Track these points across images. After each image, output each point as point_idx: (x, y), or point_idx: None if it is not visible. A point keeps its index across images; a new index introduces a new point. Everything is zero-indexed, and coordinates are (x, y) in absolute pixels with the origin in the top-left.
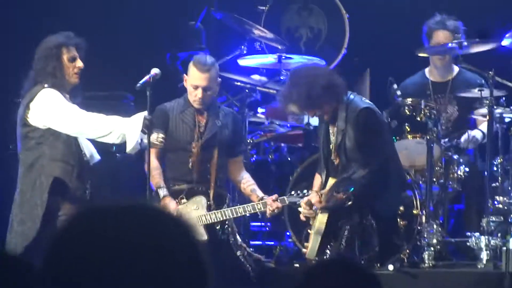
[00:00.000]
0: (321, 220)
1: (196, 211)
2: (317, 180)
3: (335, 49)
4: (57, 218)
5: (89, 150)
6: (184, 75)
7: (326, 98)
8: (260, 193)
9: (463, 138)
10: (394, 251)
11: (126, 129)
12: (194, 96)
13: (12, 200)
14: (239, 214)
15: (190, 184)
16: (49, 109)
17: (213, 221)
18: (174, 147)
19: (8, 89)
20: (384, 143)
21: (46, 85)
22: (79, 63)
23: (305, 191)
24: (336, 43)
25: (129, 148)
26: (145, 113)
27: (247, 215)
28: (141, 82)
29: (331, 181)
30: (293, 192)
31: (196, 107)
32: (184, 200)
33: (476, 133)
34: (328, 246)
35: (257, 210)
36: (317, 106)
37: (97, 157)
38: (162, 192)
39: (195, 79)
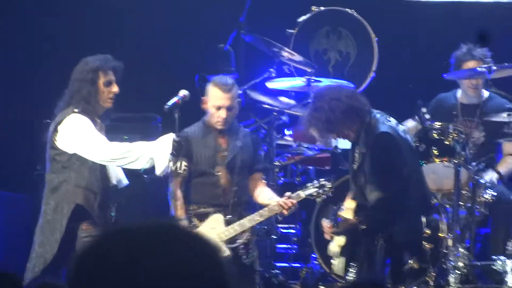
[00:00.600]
0: (339, 242)
1: (214, 230)
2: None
3: (363, 72)
4: (80, 240)
5: (117, 176)
6: (203, 98)
7: (346, 123)
8: (277, 198)
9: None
10: (420, 274)
11: (155, 153)
12: (217, 117)
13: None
14: (257, 221)
15: (216, 207)
16: (76, 136)
17: (232, 235)
18: (199, 173)
19: (40, 109)
20: (402, 167)
21: (76, 110)
22: (115, 88)
23: (321, 179)
24: (364, 66)
25: (158, 171)
26: (173, 135)
27: (264, 220)
28: (169, 103)
29: (349, 204)
30: (308, 184)
31: (219, 128)
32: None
33: (492, 176)
34: (351, 267)
35: (274, 213)
36: (335, 130)
37: (125, 181)
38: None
39: (218, 100)
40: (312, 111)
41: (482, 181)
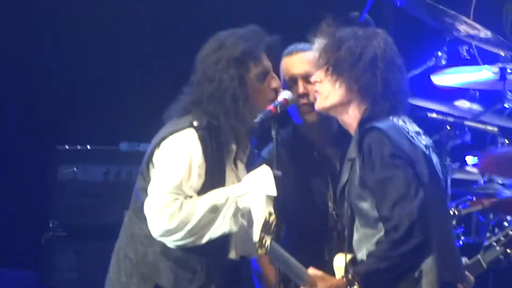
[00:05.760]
0: None
1: None
2: None
3: None
4: None
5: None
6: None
7: (364, 89)
8: None
9: None
10: None
11: (249, 201)
12: (297, 96)
13: None
14: None
15: None
16: (161, 172)
17: None
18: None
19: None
20: (410, 184)
21: (196, 124)
22: (275, 82)
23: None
24: None
25: (257, 230)
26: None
27: None
28: (262, 114)
29: (338, 261)
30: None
31: (308, 121)
32: None
33: None
34: None
35: None
36: (344, 76)
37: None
38: None
39: (288, 68)
40: (339, 34)
41: None
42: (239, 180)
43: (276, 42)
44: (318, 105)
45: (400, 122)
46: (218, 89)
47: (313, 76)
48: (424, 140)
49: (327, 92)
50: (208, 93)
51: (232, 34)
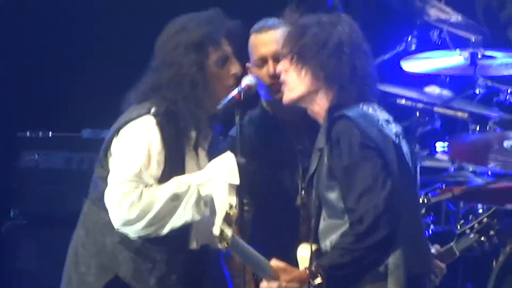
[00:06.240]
0: None
1: None
2: None
3: None
4: None
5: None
6: (247, 64)
7: (330, 77)
8: None
9: None
10: None
11: (212, 189)
12: (266, 76)
13: None
14: None
15: None
16: (121, 159)
17: None
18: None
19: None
20: (379, 173)
21: (154, 110)
22: (235, 67)
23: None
24: None
25: (219, 218)
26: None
27: None
28: (225, 100)
29: (302, 251)
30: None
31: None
32: None
33: None
34: None
35: None
36: (309, 64)
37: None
38: None
39: (259, 46)
40: (299, 31)
41: None
42: (199, 168)
43: (237, 26)
44: (286, 98)
45: (370, 110)
46: (177, 74)
47: (278, 66)
48: (394, 128)
49: (293, 83)
50: (166, 79)
51: (192, 19)
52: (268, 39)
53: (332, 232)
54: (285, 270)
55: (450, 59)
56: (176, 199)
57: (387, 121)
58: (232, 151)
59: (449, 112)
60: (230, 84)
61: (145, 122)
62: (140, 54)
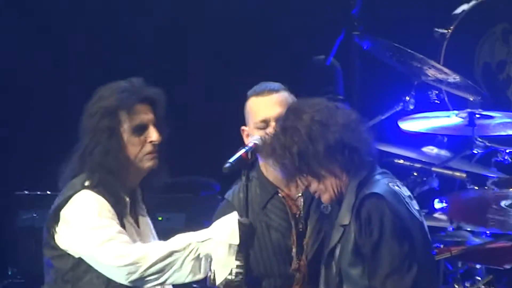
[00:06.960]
0: None
1: None
2: None
3: None
4: None
5: None
6: (243, 127)
7: (328, 167)
8: None
9: None
10: None
11: (213, 250)
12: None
13: None
14: None
15: None
16: (80, 230)
17: None
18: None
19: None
20: (406, 257)
21: (87, 183)
22: (152, 134)
23: None
24: None
25: (219, 279)
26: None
27: None
28: (232, 159)
29: None
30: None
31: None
32: None
33: None
34: None
35: None
36: (308, 172)
37: None
38: None
39: (261, 109)
40: (280, 133)
41: None
42: (139, 234)
43: (159, 94)
44: (327, 200)
45: (396, 187)
46: (91, 141)
47: (299, 187)
48: (416, 205)
49: (323, 187)
50: (85, 147)
51: (111, 87)
52: (271, 101)
53: None
54: None
55: (448, 119)
56: (171, 256)
57: (410, 197)
58: (225, 214)
59: (447, 172)
60: (147, 151)
61: (83, 196)
62: None
